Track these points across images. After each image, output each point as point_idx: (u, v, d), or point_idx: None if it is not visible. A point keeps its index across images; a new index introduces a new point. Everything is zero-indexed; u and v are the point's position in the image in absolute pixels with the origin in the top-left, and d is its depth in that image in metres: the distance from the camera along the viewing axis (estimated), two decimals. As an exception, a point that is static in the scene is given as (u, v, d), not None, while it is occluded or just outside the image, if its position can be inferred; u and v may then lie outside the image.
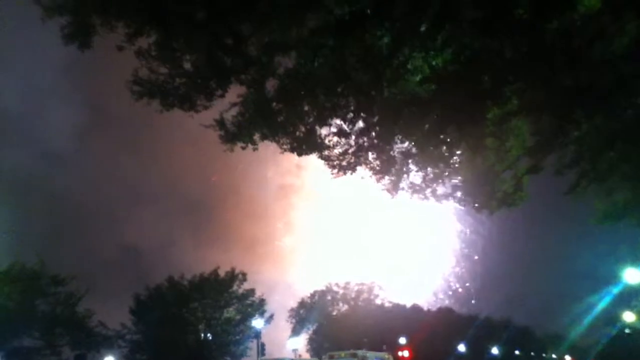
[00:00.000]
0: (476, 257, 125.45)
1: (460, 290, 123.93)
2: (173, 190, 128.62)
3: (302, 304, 75.57)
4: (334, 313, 75.85)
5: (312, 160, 13.21)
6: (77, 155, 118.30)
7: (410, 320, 73.05)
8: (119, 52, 10.58)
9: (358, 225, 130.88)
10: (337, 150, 12.96)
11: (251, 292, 50.80)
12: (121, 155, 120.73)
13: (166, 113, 11.44)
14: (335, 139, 12.72)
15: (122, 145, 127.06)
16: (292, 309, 75.04)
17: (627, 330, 55.75)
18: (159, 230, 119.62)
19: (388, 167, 13.26)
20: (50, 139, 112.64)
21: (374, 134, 12.59)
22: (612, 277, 41.92)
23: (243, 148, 12.12)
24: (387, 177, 13.47)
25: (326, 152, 12.92)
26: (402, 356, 64.63)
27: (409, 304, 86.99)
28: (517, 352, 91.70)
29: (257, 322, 46.86)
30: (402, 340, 69.00)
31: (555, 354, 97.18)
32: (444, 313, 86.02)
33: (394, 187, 13.66)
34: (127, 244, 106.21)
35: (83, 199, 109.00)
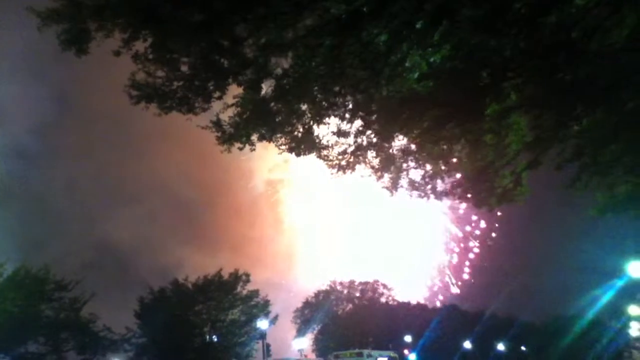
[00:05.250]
0: (479, 253, 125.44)
1: (464, 286, 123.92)
2: (156, 188, 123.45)
3: (306, 304, 75.68)
4: (339, 312, 75.89)
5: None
6: (47, 152, 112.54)
7: (415, 318, 73.12)
8: (116, 57, 10.58)
9: (353, 219, 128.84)
10: (336, 150, 12.96)
11: (255, 293, 50.80)
12: (97, 153, 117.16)
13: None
14: (334, 138, 12.72)
15: (97, 142, 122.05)
16: (297, 309, 75.20)
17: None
18: (144, 231, 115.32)
19: (387, 165, 13.24)
20: (15, 135, 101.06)
21: (372, 132, 12.57)
22: (617, 271, 41.87)
23: (240, 149, 12.11)
24: (386, 175, 13.45)
25: (325, 152, 12.91)
26: (408, 354, 64.62)
27: (412, 302, 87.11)
28: (523, 348, 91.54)
29: (262, 323, 46.86)
30: (408, 339, 69.09)
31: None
32: (449, 310, 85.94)
33: (394, 185, 13.65)
34: (109, 245, 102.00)
35: (58, 199, 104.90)
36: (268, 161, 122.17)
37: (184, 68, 10.96)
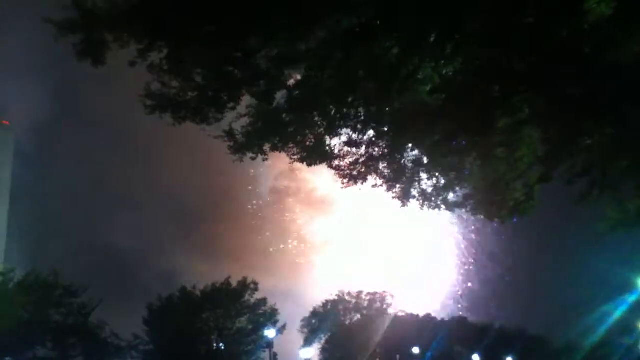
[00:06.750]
0: (489, 266, 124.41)
1: (473, 299, 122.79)
2: (160, 194, 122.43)
3: (314, 313, 75.38)
4: (347, 323, 75.50)
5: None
6: (50, 156, 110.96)
7: (423, 330, 72.53)
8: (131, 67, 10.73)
9: (360, 228, 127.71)
10: (348, 160, 13.00)
11: (263, 301, 50.84)
12: (101, 157, 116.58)
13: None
14: (346, 148, 12.77)
15: (101, 146, 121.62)
16: (304, 319, 74.91)
17: None
18: (148, 237, 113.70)
19: (399, 176, 13.26)
20: (17, 138, 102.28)
21: (384, 143, 12.62)
22: (627, 286, 41.46)
23: (253, 158, 12.25)
24: (397, 186, 13.47)
25: (336, 162, 12.96)
26: (415, 366, 64.14)
27: (421, 313, 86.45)
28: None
29: (269, 332, 46.81)
30: (416, 350, 68.56)
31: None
32: (458, 322, 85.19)
33: (405, 195, 13.63)
34: (112, 251, 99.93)
35: (60, 203, 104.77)
36: (274, 169, 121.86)
37: (198, 79, 11.10)
